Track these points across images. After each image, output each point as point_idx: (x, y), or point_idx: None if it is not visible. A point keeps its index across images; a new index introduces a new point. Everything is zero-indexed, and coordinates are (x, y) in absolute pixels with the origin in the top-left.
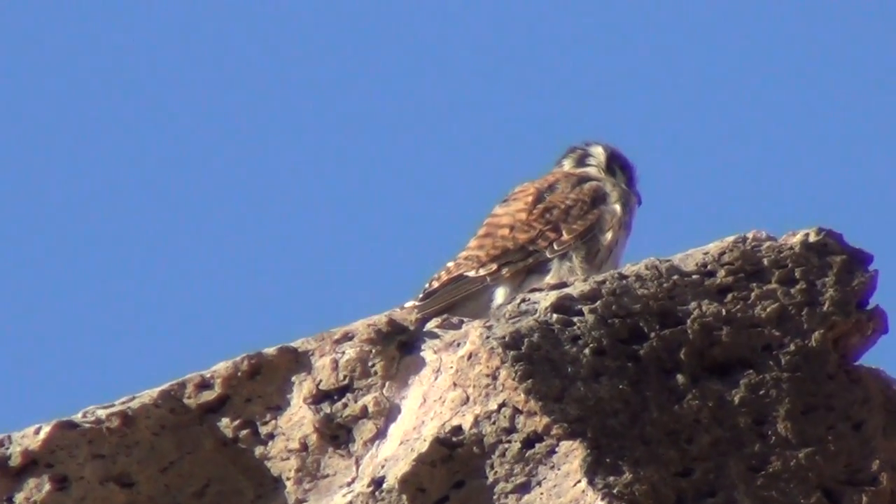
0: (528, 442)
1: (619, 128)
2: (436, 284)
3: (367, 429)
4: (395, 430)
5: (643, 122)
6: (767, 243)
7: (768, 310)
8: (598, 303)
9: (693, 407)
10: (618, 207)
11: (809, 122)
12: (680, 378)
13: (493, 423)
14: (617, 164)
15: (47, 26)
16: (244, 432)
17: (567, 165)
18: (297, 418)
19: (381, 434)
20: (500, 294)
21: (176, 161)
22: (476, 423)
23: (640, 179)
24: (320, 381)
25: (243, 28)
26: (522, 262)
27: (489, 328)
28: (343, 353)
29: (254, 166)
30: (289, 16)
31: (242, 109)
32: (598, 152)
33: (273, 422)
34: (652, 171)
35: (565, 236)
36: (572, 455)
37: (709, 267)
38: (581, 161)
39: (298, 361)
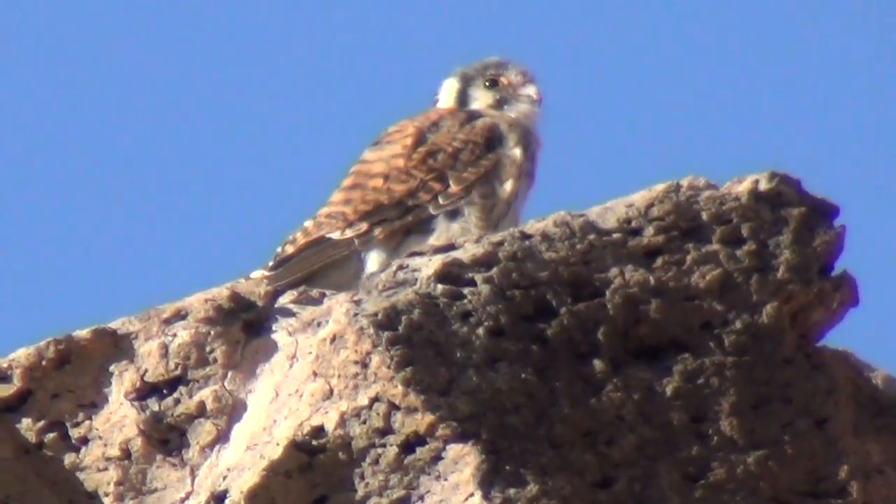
0: (408, 446)
1: (527, 50)
2: (290, 249)
3: (204, 430)
4: (239, 431)
5: (557, 45)
6: (707, 193)
7: (708, 277)
8: (495, 270)
9: (614, 400)
10: (518, 151)
11: (762, 45)
12: (598, 364)
13: (364, 422)
14: (482, 82)
15: None
16: (51, 436)
17: (447, 100)
18: (118, 418)
19: (222, 437)
20: (371, 260)
21: None
22: (342, 422)
23: (541, 84)
24: (146, 371)
25: None
26: (400, 221)
27: (358, 303)
28: (174, 335)
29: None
30: None
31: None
32: (449, 86)
33: (87, 423)
34: (565, 106)
35: (454, 187)
36: (463, 462)
37: (633, 223)
38: (464, 95)
39: (118, 346)
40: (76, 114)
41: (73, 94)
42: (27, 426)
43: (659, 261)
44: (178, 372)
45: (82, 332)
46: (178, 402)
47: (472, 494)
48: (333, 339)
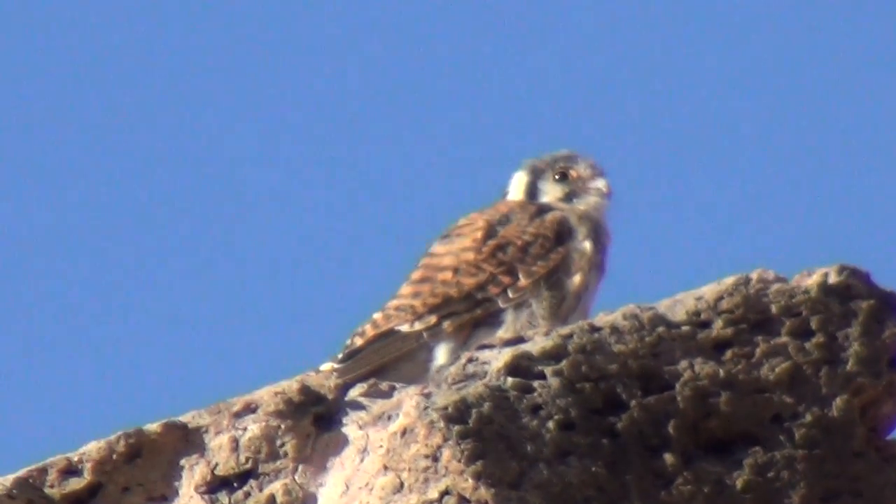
0: None
1: (590, 142)
2: (360, 342)
3: None
4: None
5: (623, 133)
6: (776, 286)
7: (778, 370)
8: (565, 363)
9: (685, 494)
10: (587, 245)
11: (828, 135)
12: (668, 458)
13: None
14: (551, 175)
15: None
16: None
17: (517, 193)
18: None
19: None
20: (441, 353)
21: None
22: None
23: (611, 177)
24: (216, 464)
25: None
26: (469, 314)
27: (428, 396)
28: (244, 429)
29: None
30: None
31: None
32: (518, 179)
33: None
34: (635, 198)
35: (523, 281)
36: None
37: (703, 316)
38: (533, 188)
39: (188, 440)
40: (152, 200)
41: (142, 179)
42: None
43: (728, 353)
44: (248, 465)
45: (153, 426)
46: (248, 495)
47: None
48: (404, 432)
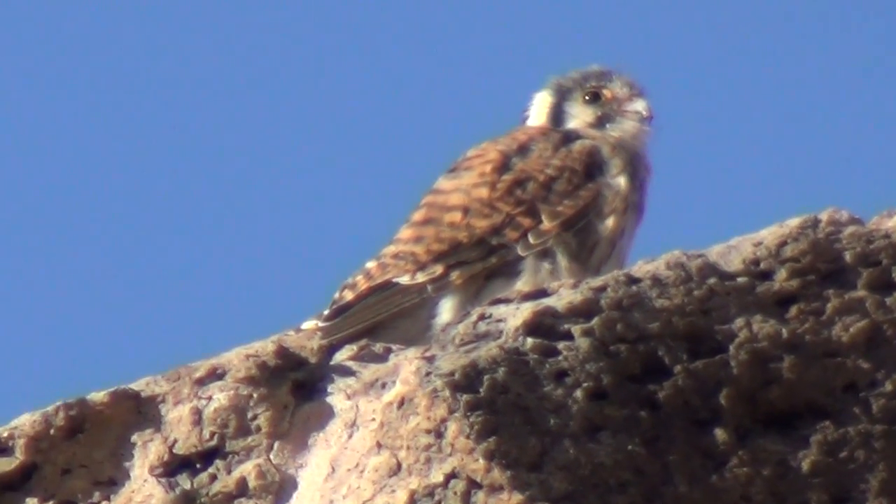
0: None
1: (627, 57)
2: (350, 295)
3: None
4: None
5: (667, 46)
6: (850, 229)
7: (852, 330)
8: (596, 320)
9: (740, 477)
10: (622, 180)
11: None
12: (720, 434)
13: (439, 503)
14: (580, 96)
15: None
16: None
17: (539, 117)
18: (141, 498)
19: None
20: (446, 309)
21: None
22: (413, 502)
23: (652, 99)
24: (175, 441)
25: None
26: (481, 263)
27: (430, 360)
28: (209, 398)
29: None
30: None
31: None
32: (541, 100)
33: (104, 503)
34: (680, 124)
35: (546, 224)
36: None
37: (762, 265)
38: (559, 111)
39: (141, 412)
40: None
41: (85, 114)
42: None
43: (793, 310)
44: (213, 442)
45: (98, 395)
46: (214, 478)
47: None
48: (401, 403)
